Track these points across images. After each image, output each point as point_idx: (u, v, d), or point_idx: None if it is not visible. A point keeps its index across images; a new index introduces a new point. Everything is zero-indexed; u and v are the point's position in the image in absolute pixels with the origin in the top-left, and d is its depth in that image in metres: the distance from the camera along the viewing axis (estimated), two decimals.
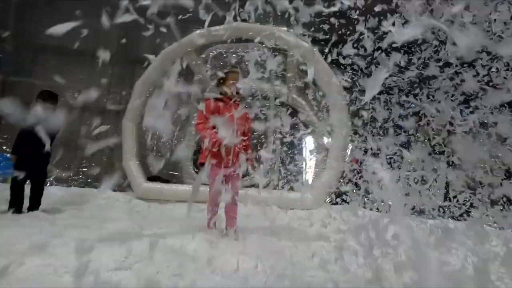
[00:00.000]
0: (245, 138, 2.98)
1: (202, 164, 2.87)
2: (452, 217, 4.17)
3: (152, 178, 5.85)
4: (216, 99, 2.88)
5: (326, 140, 6.58)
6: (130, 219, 3.53)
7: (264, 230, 3.10)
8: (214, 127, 2.75)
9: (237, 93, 2.93)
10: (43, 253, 1.96)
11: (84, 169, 6.29)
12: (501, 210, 4.01)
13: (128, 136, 5.71)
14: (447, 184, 4.25)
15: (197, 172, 5.41)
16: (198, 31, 5.79)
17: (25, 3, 7.70)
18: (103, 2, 7.15)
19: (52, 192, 4.61)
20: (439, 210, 4.19)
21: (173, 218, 3.70)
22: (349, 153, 5.99)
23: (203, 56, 5.82)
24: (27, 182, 3.77)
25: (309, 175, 6.89)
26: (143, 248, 2.03)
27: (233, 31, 5.78)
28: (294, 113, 6.91)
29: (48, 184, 5.19)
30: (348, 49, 2.83)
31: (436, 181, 4.38)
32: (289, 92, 6.55)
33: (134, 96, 5.85)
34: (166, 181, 5.93)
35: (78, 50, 7.59)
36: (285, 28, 5.92)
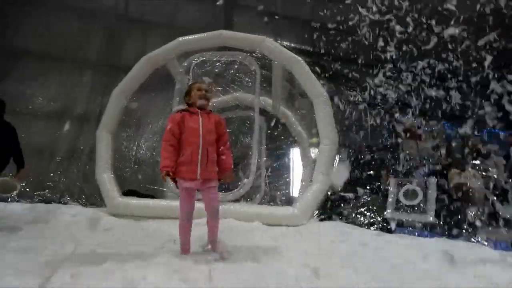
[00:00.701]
0: (223, 146, 2.78)
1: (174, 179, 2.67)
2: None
3: (128, 193, 5.45)
4: (183, 110, 2.72)
5: (312, 152, 6.39)
6: (93, 240, 3.16)
7: (245, 252, 2.80)
8: (178, 143, 2.59)
9: (206, 99, 2.76)
10: None
11: (52, 183, 5.82)
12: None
13: (102, 147, 5.33)
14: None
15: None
16: (180, 38, 5.58)
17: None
18: (78, 7, 6.93)
19: (11, 209, 4.17)
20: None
21: (143, 240, 3.34)
22: (336, 166, 5.81)
23: (185, 64, 5.58)
24: None
25: (295, 189, 6.65)
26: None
27: (218, 39, 5.60)
28: (279, 124, 6.73)
29: (9, 200, 4.73)
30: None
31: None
32: (275, 103, 6.36)
33: (111, 104, 5.51)
34: (144, 196, 5.54)
35: (57, 56, 7.34)
36: (271, 38, 5.80)
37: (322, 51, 7.94)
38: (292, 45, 8.14)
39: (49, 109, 6.94)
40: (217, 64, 5.67)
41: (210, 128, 2.67)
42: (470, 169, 4.43)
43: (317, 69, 6.49)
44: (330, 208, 4.89)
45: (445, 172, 4.68)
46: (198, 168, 2.57)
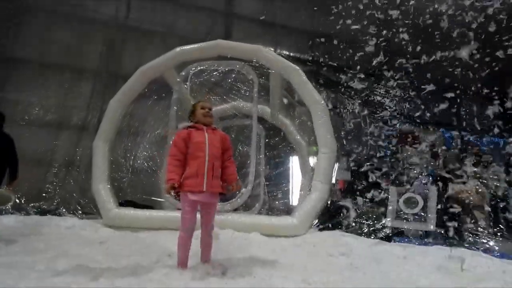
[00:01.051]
0: (227, 160, 2.84)
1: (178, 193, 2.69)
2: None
3: (125, 203, 5.39)
4: (189, 127, 2.80)
5: (311, 160, 6.35)
6: (87, 254, 3.09)
7: (242, 267, 2.73)
8: (187, 154, 2.66)
9: (210, 116, 2.87)
10: None
11: (48, 194, 5.75)
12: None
13: (99, 157, 5.28)
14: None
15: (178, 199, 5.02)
16: (178, 48, 5.58)
17: None
18: (78, 16, 6.94)
19: (5, 222, 4.10)
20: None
21: (139, 253, 3.27)
22: (335, 174, 5.76)
23: (183, 73, 5.57)
24: None
25: (294, 197, 6.58)
26: None
27: (215, 48, 5.61)
28: (278, 132, 6.70)
29: (3, 213, 4.66)
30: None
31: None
32: (273, 111, 6.35)
33: (108, 114, 5.48)
34: (141, 206, 5.47)
35: (57, 64, 7.35)
36: (270, 47, 5.82)
37: (321, 59, 7.99)
38: (291, 54, 8.19)
39: (48, 118, 6.93)
40: (215, 73, 5.67)
41: (215, 143, 2.74)
42: (469, 178, 4.38)
43: (317, 78, 6.54)
44: (329, 217, 4.82)
45: (443, 182, 4.63)
46: (205, 181, 2.61)
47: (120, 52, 7.88)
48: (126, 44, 7.94)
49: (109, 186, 5.17)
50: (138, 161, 6.18)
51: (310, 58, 8.76)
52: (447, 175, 4.80)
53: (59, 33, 7.38)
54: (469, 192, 4.31)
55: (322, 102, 5.21)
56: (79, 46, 7.54)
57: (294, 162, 6.75)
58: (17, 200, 5.25)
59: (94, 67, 7.69)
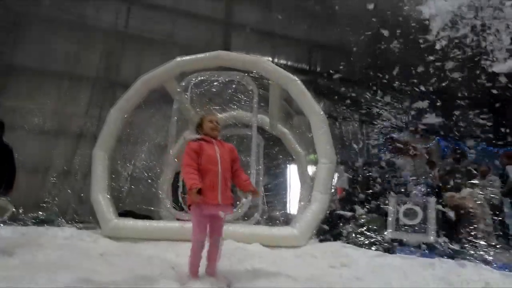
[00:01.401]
0: (237, 169, 2.90)
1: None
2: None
3: (124, 214, 5.35)
4: (198, 139, 2.82)
5: (310, 170, 6.39)
6: (88, 267, 3.05)
7: (244, 280, 2.73)
8: (199, 167, 2.68)
9: (218, 130, 2.92)
10: None
11: (46, 204, 5.68)
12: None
13: (98, 167, 5.25)
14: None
15: (179, 209, 5.01)
16: (178, 59, 5.62)
17: None
18: (78, 23, 6.95)
19: (3, 233, 4.03)
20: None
21: (141, 266, 3.24)
22: (334, 183, 5.80)
23: (183, 83, 5.60)
24: None
25: (293, 207, 6.60)
26: None
27: (215, 59, 5.67)
28: (277, 142, 6.74)
29: (0, 225, 4.58)
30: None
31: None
32: (272, 121, 6.40)
33: (108, 123, 5.47)
34: (140, 217, 5.43)
35: (56, 72, 7.33)
36: (268, 57, 5.90)
37: (319, 69, 8.10)
38: (289, 63, 8.30)
39: (46, 126, 6.88)
40: (215, 83, 5.71)
41: (225, 156, 2.79)
42: (467, 188, 4.45)
43: (315, 87, 6.63)
44: (330, 228, 4.84)
45: (441, 192, 4.70)
46: (219, 194, 2.65)
47: (119, 60, 7.90)
48: (125, 52, 7.97)
49: (108, 196, 5.13)
50: (137, 171, 6.15)
51: (308, 68, 8.89)
52: (443, 186, 4.88)
53: (58, 41, 7.38)
54: (464, 197, 4.37)
55: (322, 112, 5.28)
56: (78, 54, 7.55)
57: (293, 171, 6.79)
58: (14, 209, 5.19)
59: (93, 74, 7.69)
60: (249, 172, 5.24)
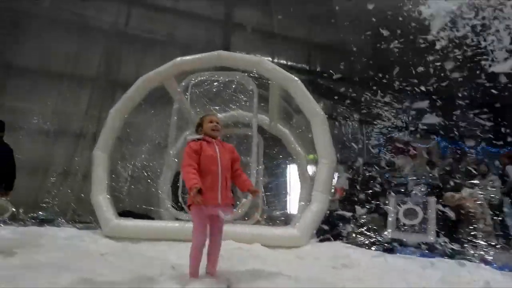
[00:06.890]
0: (237, 169, 2.89)
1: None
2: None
3: (123, 214, 5.35)
4: (199, 140, 2.82)
5: (310, 170, 6.39)
6: (89, 267, 3.05)
7: (245, 282, 2.73)
8: (199, 167, 2.67)
9: (218, 130, 2.90)
10: None
11: (46, 204, 5.68)
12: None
13: (98, 167, 5.25)
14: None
15: (178, 209, 5.01)
16: (178, 59, 5.62)
17: None
18: (78, 24, 6.96)
19: (3, 234, 4.03)
20: None
21: (142, 266, 3.24)
22: (335, 182, 5.79)
23: (183, 84, 5.60)
24: None
25: (293, 207, 6.59)
26: None
27: (216, 59, 5.66)
28: (276, 142, 6.74)
29: (0, 225, 4.58)
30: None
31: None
32: (272, 121, 6.40)
33: (108, 123, 5.47)
34: (140, 217, 5.44)
35: (56, 72, 7.33)
36: (268, 57, 5.90)
37: (319, 69, 8.10)
38: (289, 63, 8.29)
39: (46, 126, 6.88)
40: (215, 83, 5.71)
41: (226, 156, 2.78)
42: (466, 188, 4.45)
43: (314, 87, 6.63)
44: (330, 228, 4.84)
45: (441, 193, 4.70)
46: (219, 194, 2.65)
47: (119, 60, 7.90)
48: (125, 53, 7.97)
49: (108, 196, 5.13)
50: (136, 170, 6.15)
51: (308, 68, 8.89)
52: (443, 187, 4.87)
53: (58, 41, 7.38)
54: (464, 198, 4.37)
55: (322, 113, 5.27)
56: (79, 54, 7.55)
57: (292, 171, 6.78)
58: (14, 209, 5.19)
59: (93, 75, 7.69)
60: (249, 172, 5.24)
